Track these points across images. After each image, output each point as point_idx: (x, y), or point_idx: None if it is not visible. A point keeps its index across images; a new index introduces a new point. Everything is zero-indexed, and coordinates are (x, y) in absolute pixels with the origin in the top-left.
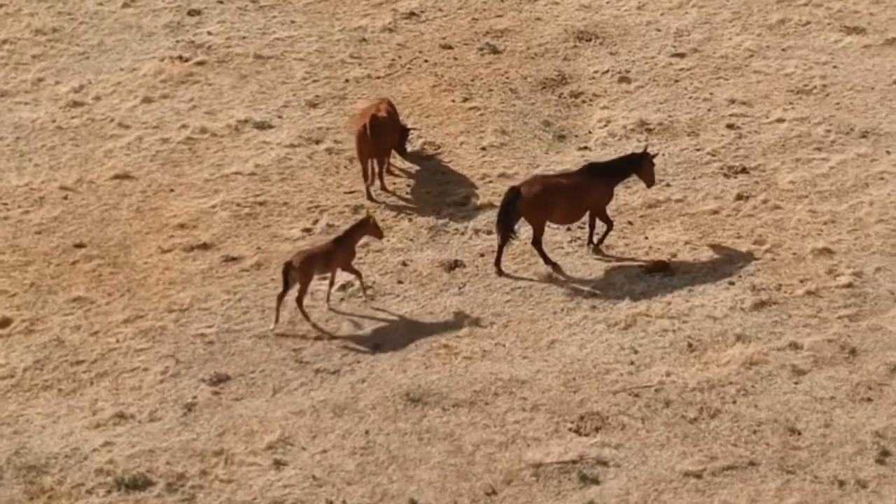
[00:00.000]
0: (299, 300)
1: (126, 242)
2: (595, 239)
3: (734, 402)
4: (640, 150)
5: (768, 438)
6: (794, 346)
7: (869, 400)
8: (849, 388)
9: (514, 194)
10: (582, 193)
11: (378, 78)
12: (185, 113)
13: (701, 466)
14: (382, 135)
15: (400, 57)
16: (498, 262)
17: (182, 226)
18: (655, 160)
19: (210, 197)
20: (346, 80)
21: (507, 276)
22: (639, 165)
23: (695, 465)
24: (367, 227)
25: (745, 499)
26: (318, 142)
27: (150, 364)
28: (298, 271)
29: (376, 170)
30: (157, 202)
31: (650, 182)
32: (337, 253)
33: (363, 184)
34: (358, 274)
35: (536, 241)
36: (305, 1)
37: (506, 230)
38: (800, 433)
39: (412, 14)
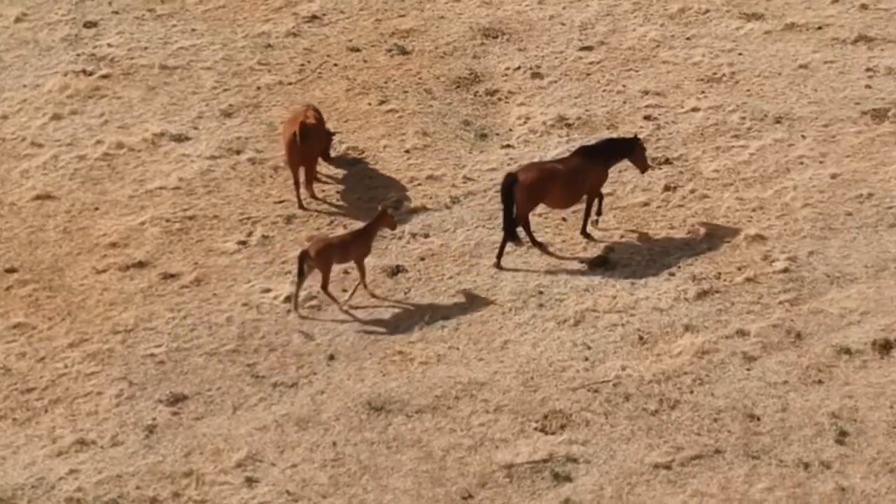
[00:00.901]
0: (324, 287)
1: (58, 265)
2: (592, 219)
3: (691, 392)
4: (630, 136)
5: (730, 426)
6: (742, 333)
7: (820, 382)
8: (799, 372)
9: (511, 180)
10: (577, 178)
11: (290, 84)
12: (98, 128)
13: (669, 458)
14: (312, 141)
15: (309, 62)
16: (499, 256)
17: (114, 245)
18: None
19: (137, 214)
20: (258, 88)
21: (451, 278)
22: (630, 150)
23: (663, 456)
24: (385, 219)
25: (716, 486)
26: (238, 152)
27: (103, 388)
28: (315, 260)
29: (305, 177)
30: (83, 222)
31: (644, 168)
32: (354, 245)
33: (294, 192)
34: (363, 273)
35: (522, 221)
36: (203, 8)
37: (509, 214)
38: (759, 419)
39: (314, 17)
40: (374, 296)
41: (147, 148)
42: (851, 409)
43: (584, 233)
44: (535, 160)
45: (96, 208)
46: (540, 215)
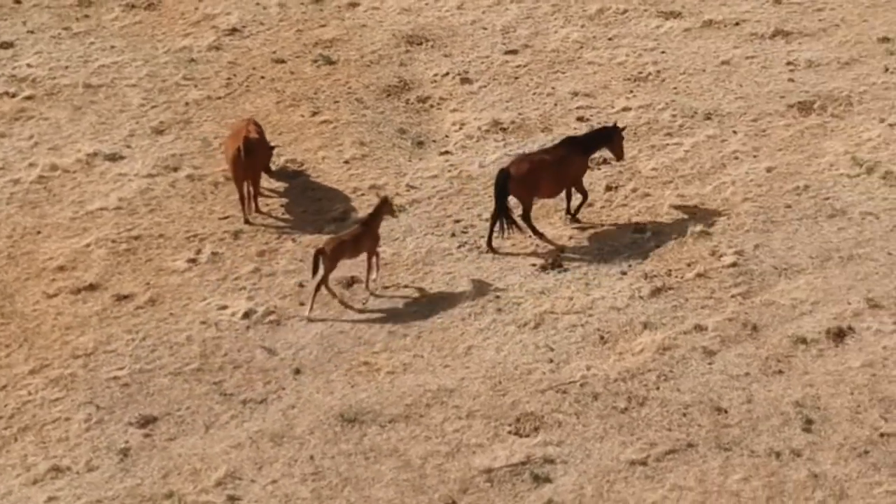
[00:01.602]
0: (325, 283)
1: (7, 290)
2: (573, 210)
3: (658, 389)
4: (610, 125)
5: (698, 419)
6: (699, 328)
7: (780, 372)
8: (759, 364)
9: (504, 175)
10: (564, 167)
11: (219, 99)
12: (29, 151)
13: (644, 454)
14: (256, 156)
15: (235, 75)
16: (490, 242)
17: (61, 268)
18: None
19: (81, 236)
20: (187, 104)
21: (407, 286)
22: (609, 139)
23: (637, 453)
24: (386, 207)
25: (693, 480)
26: (175, 169)
27: (70, 413)
28: (330, 256)
29: (250, 192)
30: (26, 246)
31: (620, 156)
32: (365, 237)
33: (239, 208)
34: (378, 261)
35: (526, 217)
36: (120, 25)
37: (502, 210)
38: (726, 411)
39: (234, 30)
40: (372, 293)
41: (82, 169)
42: (814, 398)
43: (568, 212)
44: (523, 153)
45: (38, 232)
46: (486, 220)
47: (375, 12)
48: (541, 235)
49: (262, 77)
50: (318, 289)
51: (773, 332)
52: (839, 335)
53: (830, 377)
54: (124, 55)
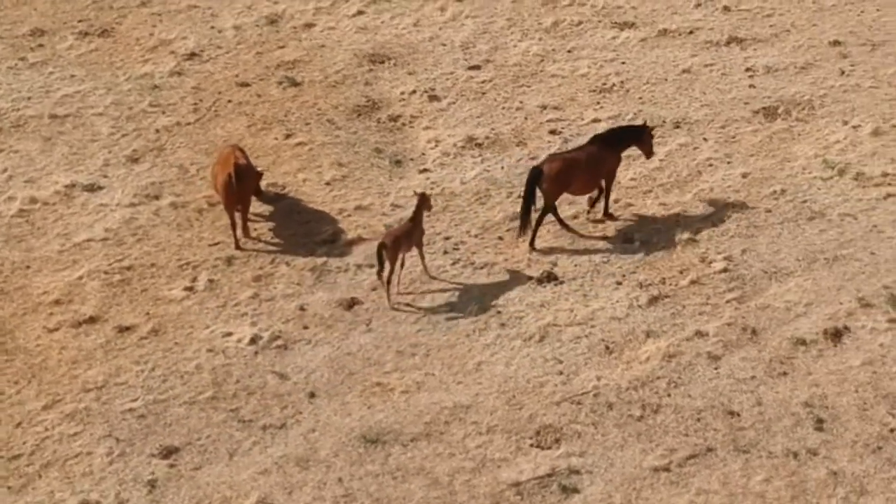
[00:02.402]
0: (391, 274)
1: (6, 327)
2: (599, 208)
3: (669, 395)
4: (638, 123)
5: (713, 424)
6: (700, 334)
7: (785, 374)
8: (764, 366)
9: (537, 172)
10: (598, 164)
11: (188, 124)
12: (5, 184)
13: (666, 460)
14: (247, 182)
15: (201, 100)
16: (524, 234)
17: (57, 302)
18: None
19: (72, 269)
20: (157, 131)
21: (407, 305)
22: (639, 137)
23: (659, 459)
24: (426, 202)
25: (717, 483)
26: (157, 197)
27: (91, 447)
28: (391, 250)
29: (240, 218)
30: (18, 281)
31: (649, 153)
32: (415, 231)
33: (228, 233)
34: (422, 251)
35: (553, 209)
36: (76, 53)
37: (528, 207)
38: (738, 414)
39: (193, 55)
40: (432, 277)
41: (62, 200)
42: (821, 397)
43: (606, 213)
44: (555, 151)
45: (27, 266)
46: (476, 236)
47: (332, 32)
48: (568, 227)
49: (230, 101)
50: (389, 281)
51: (772, 334)
52: (836, 335)
53: (834, 377)
54: (86, 84)
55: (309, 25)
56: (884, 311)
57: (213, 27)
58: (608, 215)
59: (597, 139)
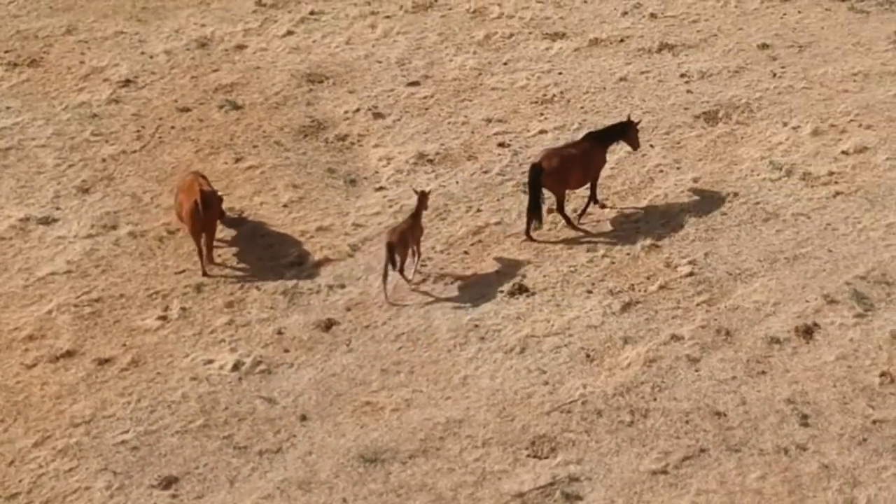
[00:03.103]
0: (402, 269)
1: None
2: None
3: (655, 400)
4: (625, 119)
5: (702, 425)
6: (676, 337)
7: (764, 373)
8: (742, 366)
9: (537, 170)
10: (590, 159)
11: (134, 152)
12: None
13: (662, 463)
14: (213, 209)
15: (143, 127)
16: (537, 226)
17: (31, 337)
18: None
19: (39, 303)
20: (103, 160)
21: (385, 324)
22: (625, 133)
23: (655, 462)
24: (425, 200)
25: (715, 482)
26: (114, 227)
27: (88, 482)
28: (400, 245)
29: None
30: None
31: (636, 146)
32: (415, 227)
33: (193, 261)
34: (419, 252)
35: (560, 208)
36: (7, 84)
37: (536, 203)
38: (725, 415)
39: (128, 81)
40: (415, 284)
41: (17, 235)
42: (802, 394)
43: (596, 201)
44: (551, 147)
45: None
46: (441, 252)
47: (265, 53)
48: (576, 227)
49: (172, 127)
50: (401, 271)
51: (745, 335)
52: (808, 332)
53: (811, 373)
54: (23, 115)
55: (240, 47)
56: (849, 306)
57: (143, 53)
58: (601, 205)
59: (590, 136)
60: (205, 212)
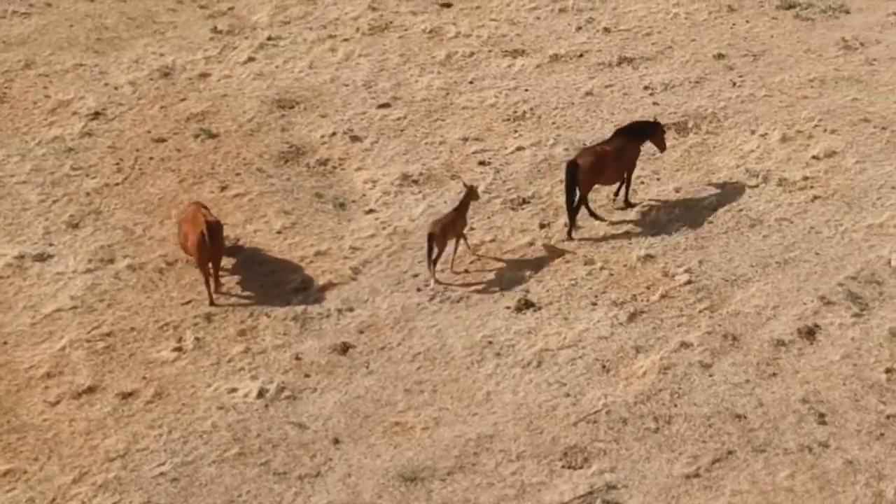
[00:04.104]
0: (435, 261)
1: (4, 405)
2: (622, 197)
3: (676, 406)
4: (652, 120)
5: (725, 428)
6: (685, 345)
7: (775, 375)
8: (754, 369)
9: (574, 167)
10: (623, 155)
11: (117, 185)
12: None
13: (694, 467)
14: (219, 238)
15: (122, 159)
16: (574, 227)
17: (49, 375)
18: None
19: (51, 341)
20: (88, 194)
21: (400, 345)
22: (653, 133)
23: (686, 466)
24: (473, 194)
25: (747, 483)
26: (111, 261)
27: None
28: (440, 237)
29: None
30: (0, 357)
31: (662, 147)
32: (459, 220)
33: (198, 290)
34: (466, 239)
35: (584, 200)
36: None
37: (572, 199)
38: (745, 417)
39: (97, 114)
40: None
41: (15, 273)
42: (814, 393)
43: (626, 202)
44: (587, 146)
45: (4, 342)
46: (442, 271)
47: (230, 81)
48: (599, 218)
49: (151, 158)
50: (434, 263)
51: (751, 338)
52: (810, 333)
53: (820, 373)
54: None
55: (204, 75)
56: (846, 306)
57: (107, 84)
58: (627, 203)
59: (620, 132)
60: (211, 242)
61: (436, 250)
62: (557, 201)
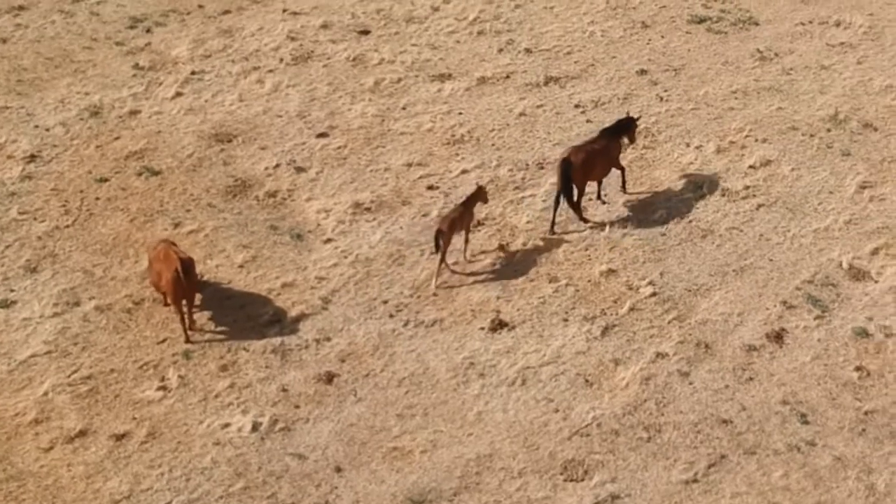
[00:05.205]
0: (443, 257)
1: None
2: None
3: (663, 415)
4: (627, 116)
5: (714, 433)
6: (661, 355)
7: (751, 379)
8: (730, 375)
9: (566, 164)
10: (609, 152)
11: (67, 227)
12: None
13: (691, 473)
14: (192, 275)
15: (67, 201)
16: (579, 213)
17: (36, 421)
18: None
19: (31, 387)
20: (39, 238)
21: (383, 371)
22: (628, 128)
23: (683, 473)
24: (481, 194)
25: (744, 485)
26: (77, 304)
27: None
28: (447, 233)
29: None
30: None
31: (633, 140)
32: (466, 216)
33: (171, 328)
34: (468, 236)
35: (579, 198)
36: None
37: (568, 194)
38: (731, 421)
39: (33, 157)
40: (469, 261)
41: None
42: (793, 394)
43: (599, 198)
44: (576, 144)
45: None
46: (410, 296)
47: (161, 117)
48: (584, 220)
49: (97, 198)
50: (441, 262)
51: (722, 346)
52: (778, 337)
53: (794, 374)
54: None
55: (134, 112)
56: (807, 309)
57: (37, 126)
58: (601, 200)
59: (605, 132)
60: (186, 278)
61: (442, 245)
62: (511, 221)
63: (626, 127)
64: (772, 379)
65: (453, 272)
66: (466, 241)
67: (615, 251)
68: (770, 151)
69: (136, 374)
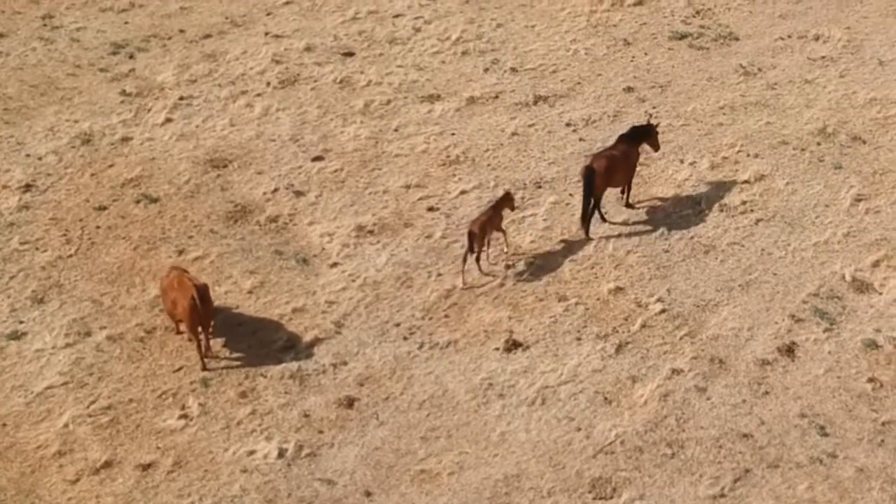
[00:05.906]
0: (478, 258)
1: (24, 487)
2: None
3: (684, 431)
4: (646, 123)
5: (736, 448)
6: (676, 371)
7: (767, 393)
8: (746, 389)
9: (590, 171)
10: (628, 159)
11: (70, 256)
12: None
13: (717, 488)
14: (208, 301)
15: (68, 230)
16: (587, 226)
17: (60, 453)
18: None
19: (51, 419)
20: (43, 268)
21: (402, 394)
22: (649, 134)
23: (710, 488)
24: (509, 199)
25: (771, 498)
26: (88, 334)
27: None
28: (479, 235)
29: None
30: (5, 440)
31: (657, 148)
32: (495, 218)
33: (188, 356)
34: (505, 233)
35: (598, 205)
36: None
37: (588, 199)
38: (751, 436)
39: (29, 186)
40: (515, 252)
41: None
42: (809, 407)
43: (627, 204)
44: (597, 150)
45: (3, 424)
46: (422, 318)
47: (154, 143)
48: (587, 231)
49: (97, 227)
50: (477, 260)
51: (736, 360)
52: (790, 351)
53: (809, 387)
54: None
55: (126, 139)
56: (815, 322)
57: (28, 155)
58: (627, 204)
59: (623, 138)
60: (202, 305)
61: (476, 247)
62: (516, 240)
63: (645, 133)
64: (787, 392)
65: (464, 288)
66: (506, 242)
67: (620, 268)
68: (763, 166)
69: (156, 403)
